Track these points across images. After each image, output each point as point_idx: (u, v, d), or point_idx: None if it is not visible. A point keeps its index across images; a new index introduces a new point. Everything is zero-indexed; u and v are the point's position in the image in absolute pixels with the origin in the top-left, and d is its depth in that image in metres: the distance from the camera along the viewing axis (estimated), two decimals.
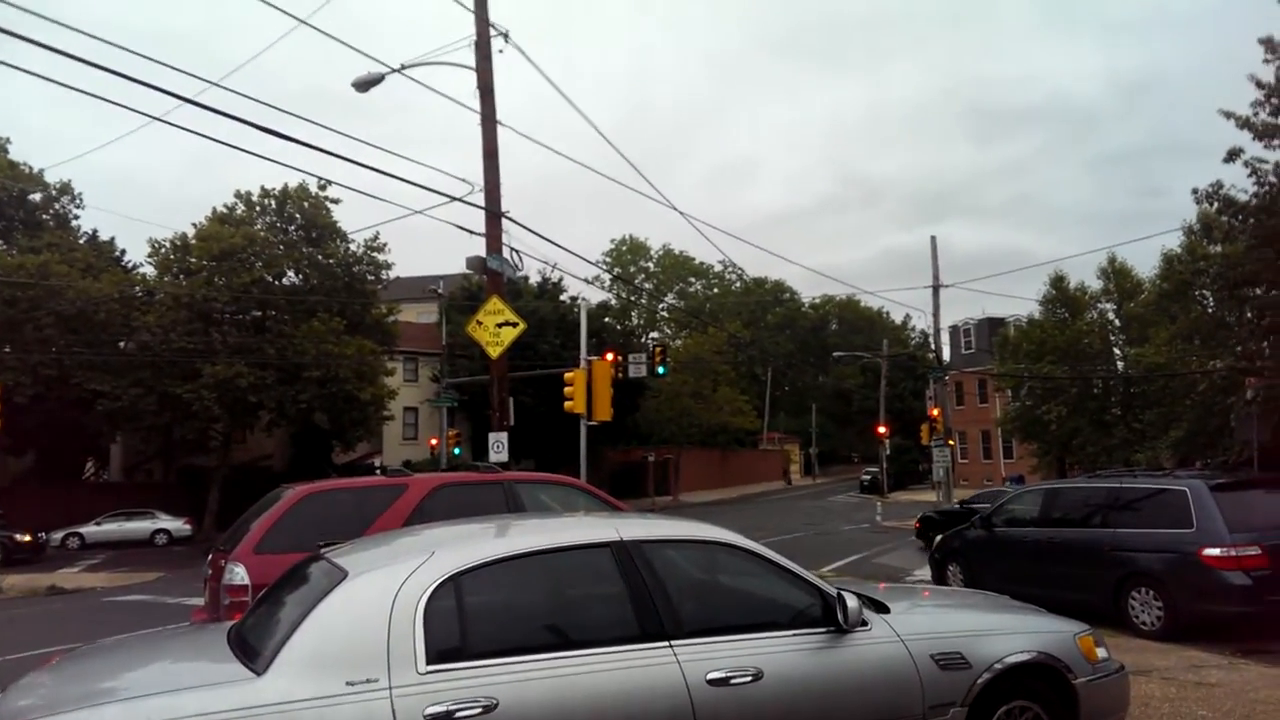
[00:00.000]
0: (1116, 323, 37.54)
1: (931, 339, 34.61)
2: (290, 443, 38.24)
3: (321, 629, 3.36)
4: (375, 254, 35.33)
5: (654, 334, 66.77)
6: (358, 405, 33.04)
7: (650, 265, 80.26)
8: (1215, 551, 9.00)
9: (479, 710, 3.28)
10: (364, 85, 14.40)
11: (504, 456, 13.54)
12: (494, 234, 13.50)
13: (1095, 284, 38.04)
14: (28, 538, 26.50)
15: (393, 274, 37.12)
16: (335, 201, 34.21)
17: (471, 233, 13.61)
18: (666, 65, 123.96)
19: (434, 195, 13.07)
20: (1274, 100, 17.26)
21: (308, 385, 31.30)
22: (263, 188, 34.10)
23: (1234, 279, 18.88)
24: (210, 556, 7.40)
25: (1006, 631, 4.59)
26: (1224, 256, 20.09)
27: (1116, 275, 37.12)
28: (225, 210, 33.48)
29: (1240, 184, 17.92)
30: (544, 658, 3.51)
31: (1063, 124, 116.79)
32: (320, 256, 33.91)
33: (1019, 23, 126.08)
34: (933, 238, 30.23)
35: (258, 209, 34.05)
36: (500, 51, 13.81)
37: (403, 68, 14.24)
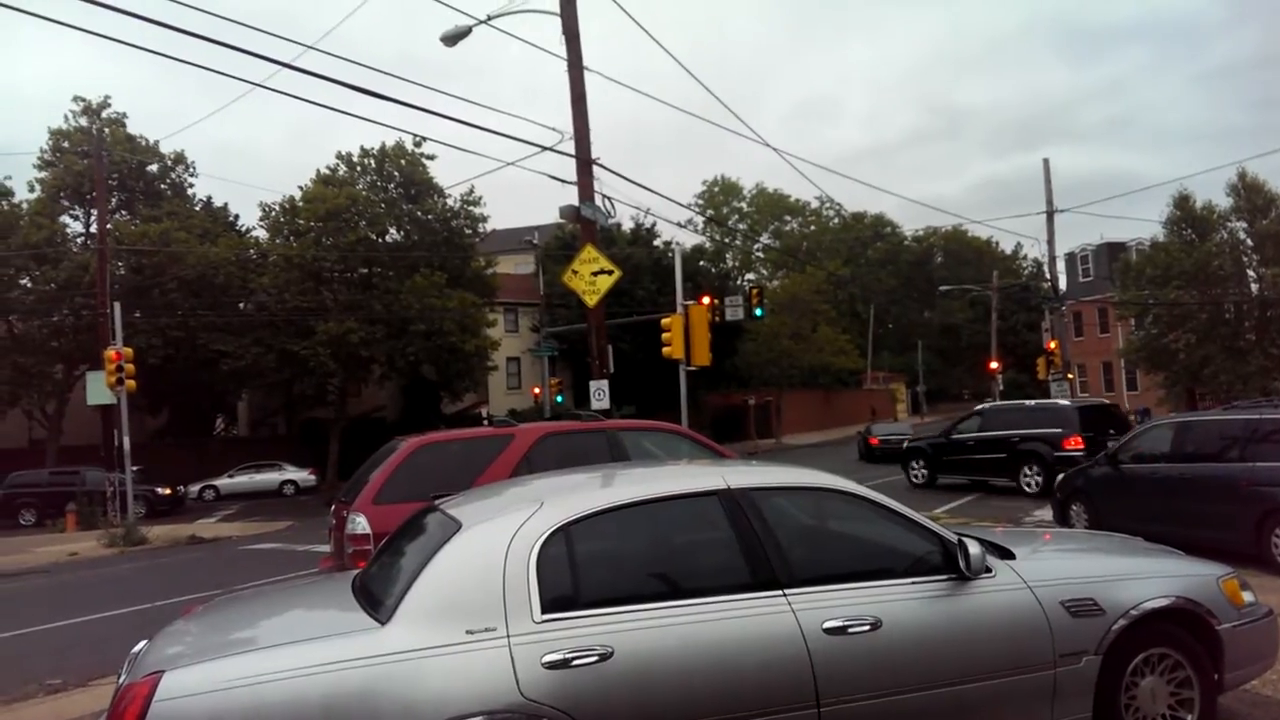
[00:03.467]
0: (1249, 242, 34.81)
1: (1046, 268, 32.90)
2: (401, 394, 39.68)
3: (440, 579, 3.42)
4: (471, 208, 35.85)
5: (750, 275, 66.02)
6: (462, 357, 33.92)
7: (744, 205, 78.89)
8: None
9: (595, 659, 3.29)
10: (452, 39, 14.42)
11: (605, 404, 13.66)
12: (585, 182, 13.43)
13: (1223, 202, 35.31)
14: (168, 491, 28.52)
15: (489, 227, 37.66)
16: (431, 158, 34.76)
17: (563, 181, 13.59)
18: (740, 7, 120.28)
19: (525, 146, 13.11)
20: None
21: (414, 339, 32.27)
22: (362, 148, 34.94)
23: None
24: (333, 507, 7.73)
25: (1142, 576, 4.33)
26: None
27: (1248, 191, 34.30)
28: (328, 172, 34.48)
29: None
30: (656, 607, 3.49)
31: (1163, 38, 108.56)
32: (419, 212, 34.63)
33: None
34: (1045, 160, 28.61)
35: (358, 169, 34.93)
36: None
37: (489, 18, 14.18)
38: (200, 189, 44.23)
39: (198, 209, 37.19)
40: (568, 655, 3.27)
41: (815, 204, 79.85)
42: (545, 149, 13.13)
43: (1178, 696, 4.20)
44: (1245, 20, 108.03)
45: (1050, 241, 28.83)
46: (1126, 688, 4.08)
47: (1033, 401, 21.09)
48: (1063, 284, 35.35)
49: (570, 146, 13.32)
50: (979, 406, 22.99)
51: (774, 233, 78.14)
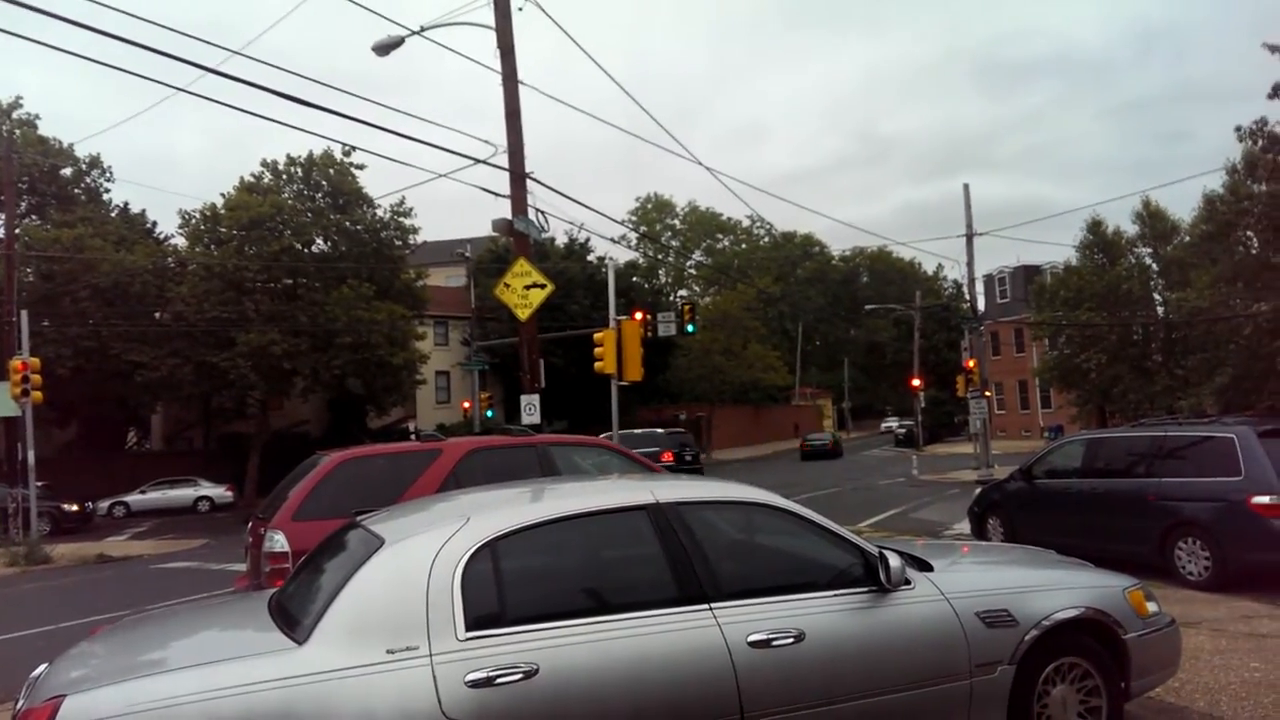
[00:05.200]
0: (1155, 267, 36.62)
1: (965, 289, 34.03)
2: (326, 408, 38.74)
3: (360, 598, 3.35)
4: (402, 219, 35.34)
5: (683, 292, 66.53)
6: (390, 370, 33.31)
7: (676, 223, 79.65)
8: (1264, 499, 8.79)
9: (520, 676, 3.26)
10: (384, 49, 14.25)
11: (536, 418, 13.57)
12: (519, 196, 13.38)
13: (1130, 229, 37.10)
14: (75, 507, 27.19)
15: (420, 239, 37.15)
16: (360, 168, 34.19)
17: (496, 195, 13.52)
18: (670, 38, 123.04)
19: (458, 159, 13.03)
20: None
21: (340, 351, 31.58)
22: (289, 156, 34.14)
23: (1279, 219, 18.26)
24: (250, 524, 7.49)
25: (1054, 587, 4.48)
26: (1268, 195, 19.44)
27: (1152, 219, 36.13)
28: (253, 179, 33.60)
29: None
30: (583, 622, 3.48)
31: (1074, 75, 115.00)
32: (348, 223, 33.99)
33: None
34: (966, 186, 29.57)
35: (284, 177, 34.12)
36: (520, 9, 13.59)
37: (422, 29, 14.05)
38: (117, 195, 42.83)
39: (114, 215, 35.81)
40: (492, 673, 3.23)
41: (746, 223, 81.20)
42: (479, 162, 13.06)
43: (1087, 704, 4.35)
44: (1148, 60, 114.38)
45: (970, 263, 29.81)
46: (1039, 696, 4.21)
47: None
48: (981, 305, 36.56)
49: (504, 160, 13.27)
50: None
51: (706, 250, 79.00)
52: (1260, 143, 18.00)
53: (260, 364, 30.22)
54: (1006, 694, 4.10)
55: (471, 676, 3.21)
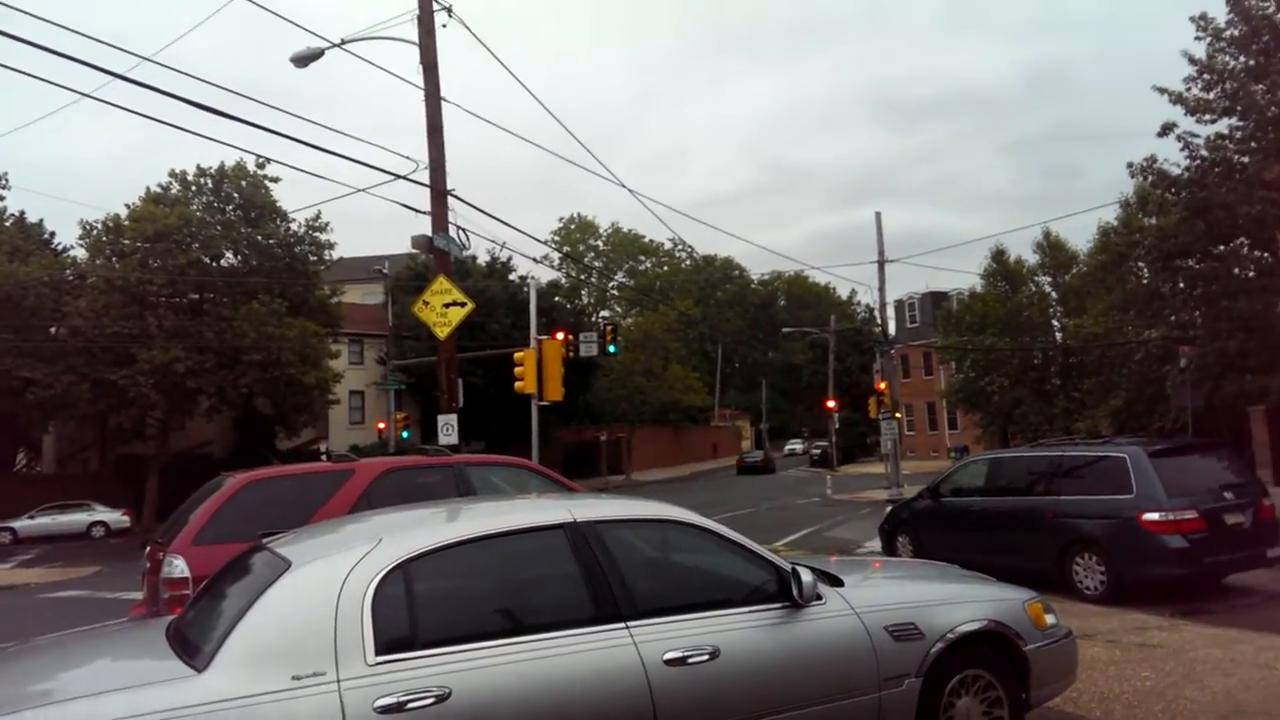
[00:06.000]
0: (1054, 295, 38.49)
1: (877, 313, 35.02)
2: (232, 429, 37.34)
3: (264, 622, 3.23)
4: (317, 234, 34.52)
5: (605, 313, 66.58)
6: (301, 389, 32.35)
7: (599, 244, 79.84)
8: (1154, 516, 9.26)
9: (431, 700, 3.19)
10: (303, 60, 13.93)
11: (453, 439, 13.35)
12: (439, 212, 13.22)
13: (1031, 258, 38.99)
14: None
15: (336, 254, 36.36)
16: (275, 180, 33.31)
17: (417, 211, 13.32)
18: (592, 65, 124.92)
19: (377, 174, 12.77)
20: (1205, 76, 17.74)
21: (248, 369, 30.53)
22: (199, 167, 33.03)
23: (1167, 250, 19.41)
24: (148, 549, 7.15)
25: (958, 601, 4.63)
26: (1158, 229, 20.64)
27: (1052, 249, 38.03)
28: (160, 190, 32.36)
29: (1174, 158, 18.43)
30: (497, 644, 3.44)
31: (975, 113, 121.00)
32: (260, 237, 33.01)
33: (926, 22, 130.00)
34: (877, 214, 30.48)
35: (193, 189, 32.97)
36: (444, 26, 13.48)
37: (343, 42, 13.81)
38: (13, 203, 40.55)
39: (8, 224, 33.95)
40: (402, 698, 3.16)
41: (668, 245, 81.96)
42: (399, 177, 12.85)
43: (990, 715, 4.48)
44: (1040, 100, 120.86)
45: (881, 289, 30.72)
46: (944, 708, 4.33)
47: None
48: (892, 329, 37.69)
49: (425, 176, 13.10)
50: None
51: (629, 271, 79.40)
52: (1150, 179, 19.09)
53: (162, 382, 28.97)
54: (914, 707, 4.20)
55: (381, 702, 3.13)
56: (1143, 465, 9.62)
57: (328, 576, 3.37)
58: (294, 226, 33.98)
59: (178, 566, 6.01)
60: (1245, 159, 17.81)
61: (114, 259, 30.66)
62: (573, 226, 78.17)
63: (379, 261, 43.23)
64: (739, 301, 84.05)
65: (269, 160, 22.40)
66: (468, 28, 13.98)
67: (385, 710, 3.12)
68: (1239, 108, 17.34)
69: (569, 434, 46.52)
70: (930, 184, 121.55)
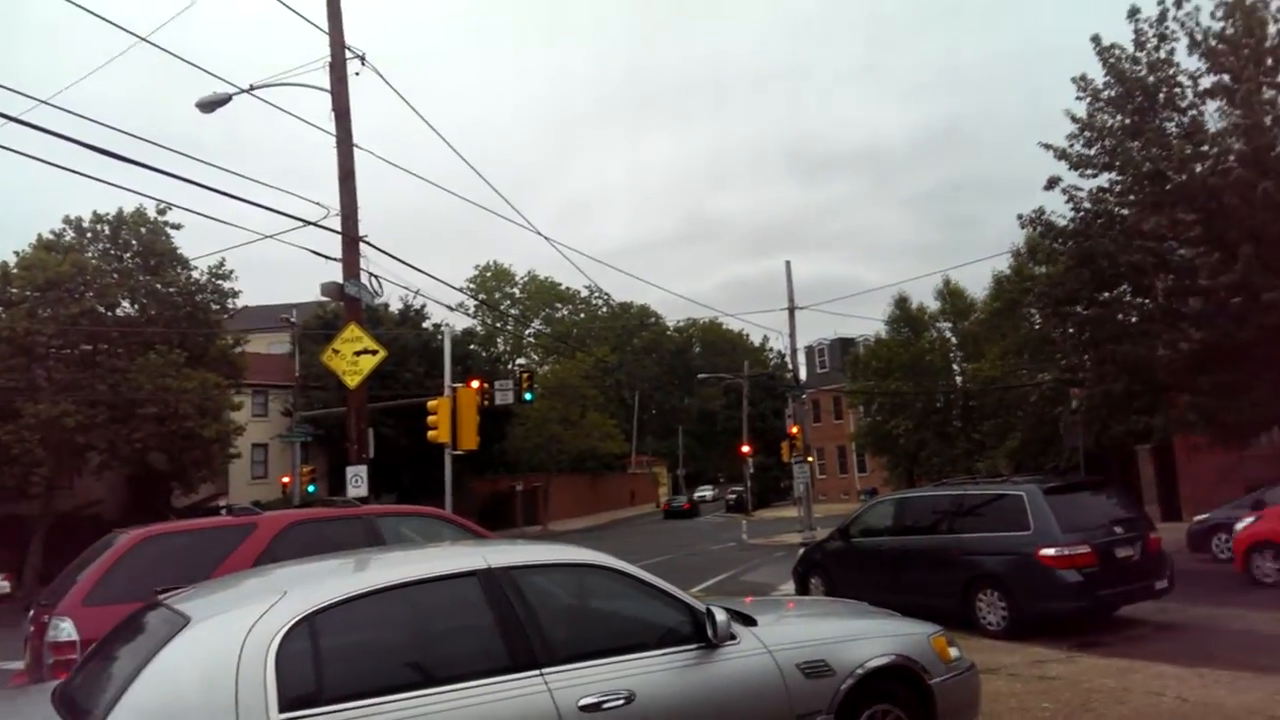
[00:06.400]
0: (954, 340, 40.16)
1: (789, 359, 35.88)
2: (124, 486, 35.38)
3: (161, 681, 3.09)
4: (220, 281, 33.40)
5: (521, 360, 66.15)
6: (200, 443, 30.97)
7: (516, 291, 79.67)
8: (1050, 551, 9.66)
9: None
10: (210, 105, 13.68)
11: (363, 491, 12.99)
12: (351, 259, 13.04)
13: (933, 305, 40.70)
14: None
15: (240, 303, 35.22)
16: (177, 227, 32.17)
17: (327, 258, 13.10)
18: (507, 114, 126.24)
19: (286, 220, 12.51)
20: (1087, 133, 19.01)
21: (143, 423, 29.08)
22: (95, 213, 31.69)
23: (1056, 297, 20.50)
24: (31, 612, 6.71)
25: (866, 637, 4.75)
26: (1047, 277, 21.82)
27: (951, 296, 39.81)
28: (52, 237, 30.89)
29: (1060, 210, 19.60)
30: (408, 697, 3.36)
31: (878, 167, 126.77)
32: (159, 285, 31.76)
33: (831, 81, 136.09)
34: (788, 263, 31.34)
35: (89, 235, 31.57)
36: (357, 74, 13.45)
37: (252, 88, 13.63)
38: None
39: None
40: None
41: (585, 293, 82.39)
42: (309, 224, 12.64)
43: None
44: (937, 155, 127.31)
45: (792, 335, 31.49)
46: None
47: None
48: (803, 374, 38.61)
49: (337, 223, 12.93)
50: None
51: (545, 319, 79.33)
52: (1039, 229, 20.20)
53: (49, 437, 27.32)
54: None
55: None
56: (1038, 503, 10.06)
57: (229, 632, 3.25)
58: (196, 274, 32.86)
59: (64, 629, 5.67)
60: (1125, 211, 19.05)
61: (0, 309, 29.02)
62: (489, 274, 77.82)
63: (286, 310, 42.18)
64: (655, 348, 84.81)
65: (170, 206, 21.77)
66: (381, 76, 13.99)
67: None
68: (1117, 163, 18.58)
69: (484, 484, 45.75)
70: (838, 234, 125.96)
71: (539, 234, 19.83)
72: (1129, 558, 10.01)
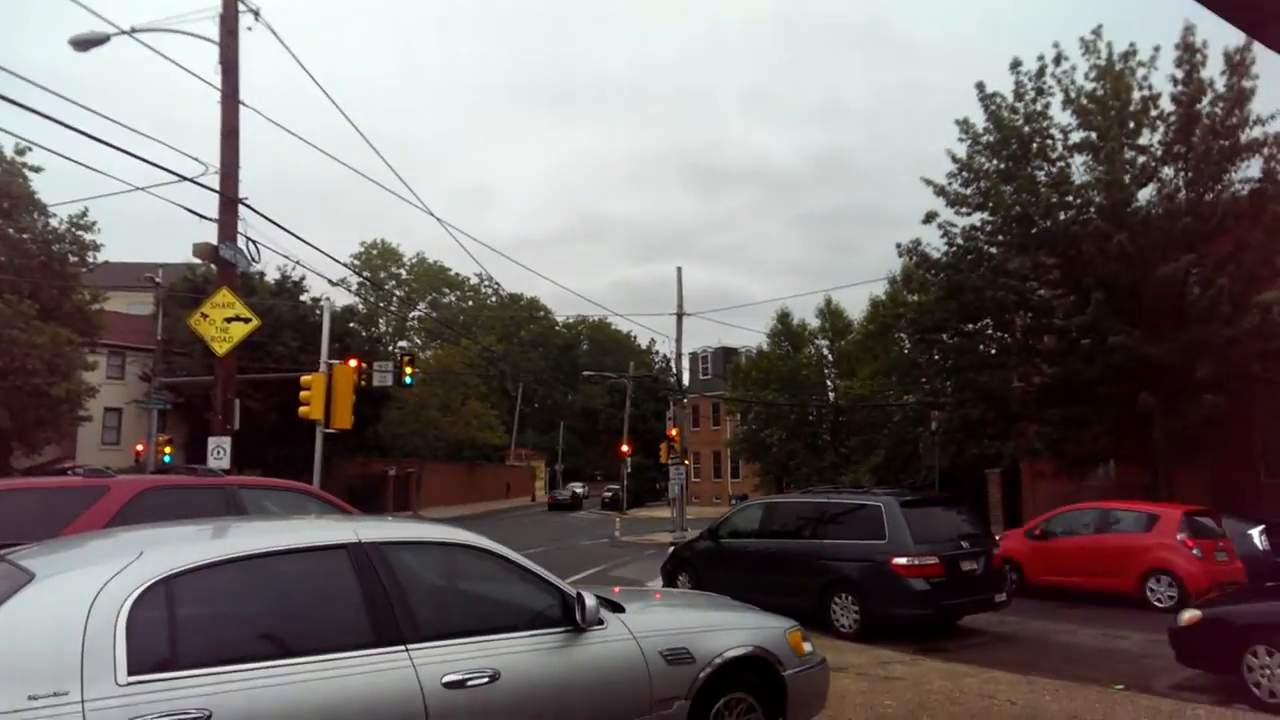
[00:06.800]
0: (830, 357, 41.75)
1: (673, 363, 36.42)
2: None
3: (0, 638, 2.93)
4: (81, 232, 31.22)
5: (403, 343, 64.55)
6: (47, 402, 28.85)
7: (402, 273, 77.70)
8: (902, 560, 10.23)
9: None
10: (85, 44, 12.79)
11: (225, 463, 12.44)
12: (229, 221, 12.47)
13: (814, 323, 42.22)
14: None
15: (102, 257, 33.04)
16: (36, 170, 29.90)
17: (203, 217, 12.46)
18: (401, 97, 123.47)
19: (160, 174, 11.81)
20: (965, 174, 20.16)
21: None
22: None
23: (925, 325, 21.66)
24: None
25: (727, 628, 4.94)
26: (918, 305, 23.01)
27: (831, 316, 41.39)
28: None
29: (936, 243, 20.72)
30: (267, 665, 3.30)
31: (769, 187, 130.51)
32: (11, 230, 29.43)
33: (732, 98, 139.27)
34: (679, 268, 31.96)
35: None
36: (249, 29, 12.88)
37: (134, 30, 12.84)
38: None
39: None
40: None
41: (475, 280, 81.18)
42: (185, 179, 11.97)
43: None
44: (825, 181, 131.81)
45: (678, 340, 32.02)
46: None
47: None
48: (686, 379, 39.23)
49: (216, 181, 12.32)
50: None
51: (432, 303, 77.71)
52: (915, 259, 21.29)
53: None
54: None
55: None
56: (895, 514, 10.62)
57: (78, 590, 3.11)
58: (55, 223, 30.61)
59: None
60: (993, 249, 20.33)
61: None
62: (375, 252, 75.63)
63: (151, 269, 39.70)
64: (542, 342, 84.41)
65: (31, 146, 20.05)
66: (275, 33, 13.46)
67: None
68: (990, 204, 19.83)
69: (355, 466, 44.39)
70: (727, 247, 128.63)
71: (430, 214, 19.46)
72: (973, 571, 10.69)
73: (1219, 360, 16.57)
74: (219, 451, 12.60)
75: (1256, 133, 17.74)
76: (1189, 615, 8.14)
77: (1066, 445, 19.18)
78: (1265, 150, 17.67)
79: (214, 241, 12.46)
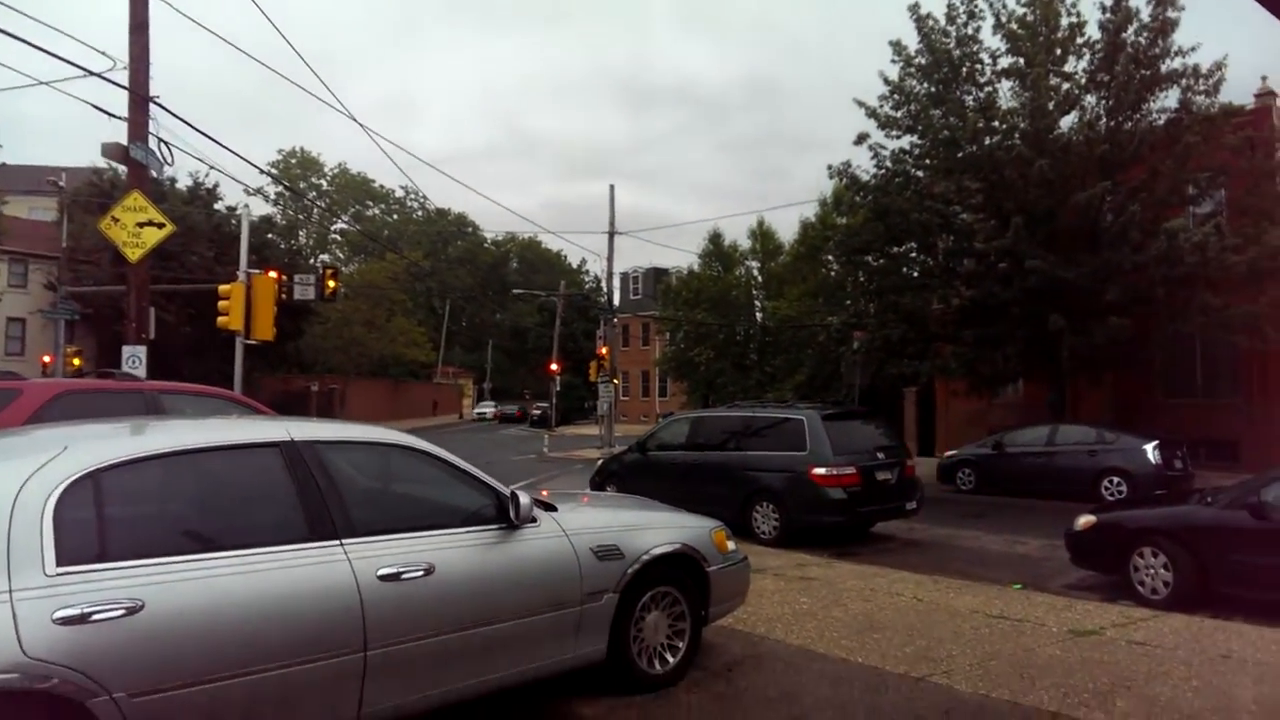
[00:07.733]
0: (760, 279, 42.18)
1: (604, 283, 36.38)
2: None
3: None
4: None
5: (325, 256, 62.78)
6: None
7: (324, 183, 74.94)
8: (821, 470, 10.66)
9: (121, 612, 3.03)
10: None
11: (142, 373, 12.09)
12: (139, 120, 11.79)
13: (747, 244, 42.42)
14: None
15: (1, 159, 31.02)
16: None
17: (111, 115, 11.76)
18: (321, 5, 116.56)
19: (65, 68, 11.09)
20: (896, 96, 20.24)
21: None
22: None
23: (852, 246, 21.99)
24: None
25: (655, 526, 5.13)
26: (847, 227, 23.31)
27: (762, 237, 41.64)
28: None
29: (866, 166, 20.88)
30: (199, 557, 3.32)
31: (698, 108, 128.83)
32: None
33: (662, 14, 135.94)
34: (611, 186, 31.65)
35: None
36: None
37: None
38: None
39: None
40: (86, 610, 2.97)
41: (400, 193, 78.88)
42: (90, 74, 11.24)
43: (674, 628, 5.04)
44: (755, 106, 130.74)
45: (610, 259, 31.93)
46: (636, 621, 4.80)
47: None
48: (617, 299, 39.26)
49: (125, 78, 11.60)
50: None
51: (355, 216, 75.35)
52: (845, 181, 21.46)
53: None
54: (610, 619, 4.62)
55: (61, 614, 2.92)
56: (816, 427, 11.01)
57: (1, 482, 3.06)
58: None
59: None
60: (920, 173, 20.61)
61: None
62: (294, 160, 72.64)
63: (55, 173, 37.45)
64: (471, 259, 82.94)
65: None
66: None
67: (66, 622, 2.92)
68: (919, 128, 20.00)
69: (275, 382, 43.48)
70: (658, 168, 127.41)
71: (352, 118, 18.75)
72: (887, 481, 11.21)
73: (1126, 285, 17.30)
74: (134, 360, 12.22)
75: (1177, 64, 18.20)
76: (1084, 520, 8.74)
77: (980, 365, 19.95)
78: (1184, 81, 18.15)
79: (124, 142, 11.81)
